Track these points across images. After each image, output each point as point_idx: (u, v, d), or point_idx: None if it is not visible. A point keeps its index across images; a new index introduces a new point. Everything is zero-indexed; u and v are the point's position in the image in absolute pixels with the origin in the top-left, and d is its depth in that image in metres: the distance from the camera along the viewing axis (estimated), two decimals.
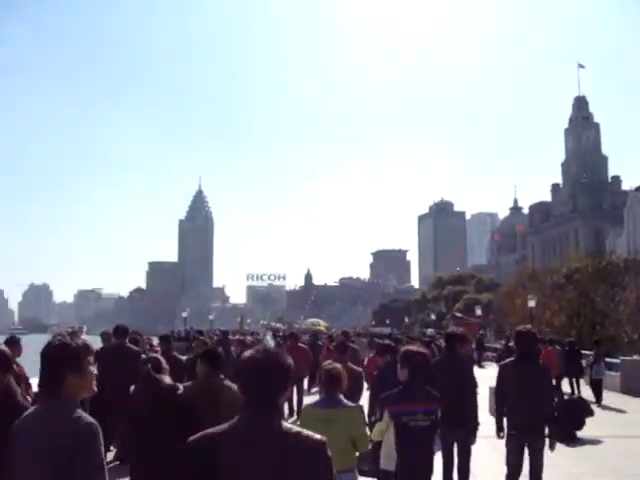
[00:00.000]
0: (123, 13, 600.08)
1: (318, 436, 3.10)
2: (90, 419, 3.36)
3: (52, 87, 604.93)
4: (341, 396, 5.88)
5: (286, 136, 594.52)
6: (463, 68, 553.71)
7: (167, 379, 6.60)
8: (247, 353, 3.19)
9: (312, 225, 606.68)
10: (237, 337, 22.10)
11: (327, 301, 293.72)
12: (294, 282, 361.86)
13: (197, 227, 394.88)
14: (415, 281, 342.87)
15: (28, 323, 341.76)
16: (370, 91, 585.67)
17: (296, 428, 3.13)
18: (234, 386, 5.90)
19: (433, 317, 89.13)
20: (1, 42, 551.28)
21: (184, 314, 61.78)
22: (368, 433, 6.21)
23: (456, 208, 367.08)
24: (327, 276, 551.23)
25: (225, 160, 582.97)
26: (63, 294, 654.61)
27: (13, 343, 8.90)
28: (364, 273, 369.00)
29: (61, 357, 3.44)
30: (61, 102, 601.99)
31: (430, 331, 39.35)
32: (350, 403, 5.98)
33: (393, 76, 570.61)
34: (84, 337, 12.56)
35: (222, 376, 6.68)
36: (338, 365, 6.13)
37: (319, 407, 5.83)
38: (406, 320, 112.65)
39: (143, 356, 10.44)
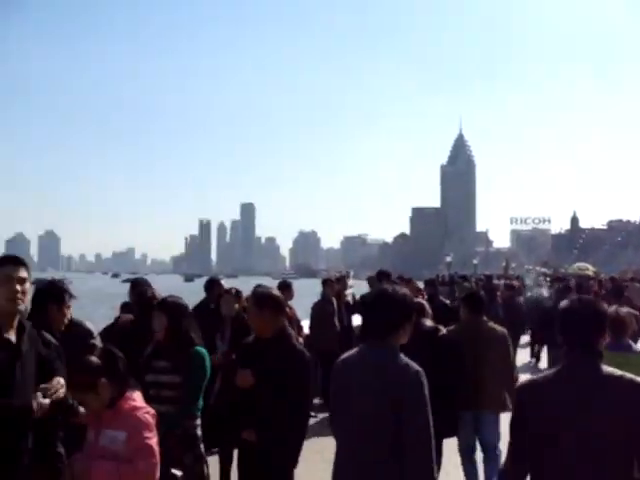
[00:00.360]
0: None
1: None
2: (416, 367, 3.55)
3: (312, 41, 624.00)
4: (630, 341, 5.92)
5: (548, 71, 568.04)
6: None
7: (428, 322, 6.64)
8: (563, 303, 3.31)
9: (578, 165, 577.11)
10: (502, 281, 21.02)
11: (594, 245, 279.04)
12: (559, 225, 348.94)
13: (459, 171, 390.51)
14: None
15: (298, 268, 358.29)
16: None
17: (618, 372, 3.13)
18: (497, 327, 6.93)
19: None
20: None
21: (448, 259, 60.96)
22: None
23: None
24: (594, 219, 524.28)
25: (486, 101, 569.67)
26: (330, 240, 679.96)
27: (285, 287, 9.54)
28: (635, 215, 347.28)
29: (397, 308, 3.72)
30: (319, 53, 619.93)
31: None
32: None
33: None
34: (351, 282, 13.62)
35: (485, 318, 6.94)
36: (623, 309, 6.07)
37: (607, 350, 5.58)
38: None
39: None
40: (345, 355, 3.92)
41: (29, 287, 3.79)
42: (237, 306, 7.66)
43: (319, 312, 11.38)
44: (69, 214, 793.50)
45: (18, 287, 3.67)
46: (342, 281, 12.40)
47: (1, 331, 3.61)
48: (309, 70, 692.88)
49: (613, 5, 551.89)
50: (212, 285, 8.70)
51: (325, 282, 11.93)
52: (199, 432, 5.31)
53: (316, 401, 10.59)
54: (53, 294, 5.18)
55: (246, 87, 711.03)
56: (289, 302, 9.39)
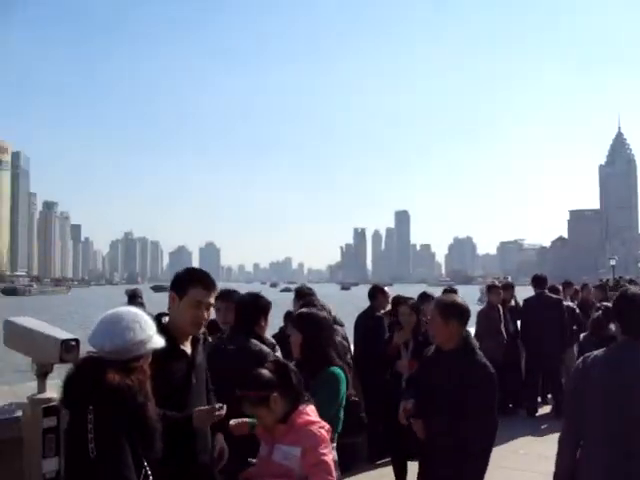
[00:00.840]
0: None
1: None
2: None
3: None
4: None
5: None
6: None
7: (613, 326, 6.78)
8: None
9: None
10: None
11: None
12: None
13: (618, 171, 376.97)
14: None
15: (454, 275, 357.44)
16: None
17: None
18: None
19: None
20: None
21: (612, 262, 59.92)
22: None
23: None
24: None
25: None
26: (486, 246, 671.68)
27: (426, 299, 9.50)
28: None
29: None
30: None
31: None
32: None
33: None
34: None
35: None
36: None
37: None
38: None
39: (567, 304, 11.77)
40: (593, 355, 3.74)
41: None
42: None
43: (485, 320, 11.13)
44: (228, 226, 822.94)
45: (205, 314, 3.75)
46: (508, 288, 12.14)
47: (178, 343, 3.70)
48: (457, 73, 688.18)
49: None
50: (376, 292, 8.56)
51: (490, 288, 11.65)
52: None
53: None
54: (262, 307, 5.25)
55: (397, 96, 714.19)
56: None
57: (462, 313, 4.75)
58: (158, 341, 3.02)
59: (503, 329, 11.13)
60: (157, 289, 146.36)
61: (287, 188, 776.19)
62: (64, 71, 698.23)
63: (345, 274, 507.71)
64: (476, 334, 10.46)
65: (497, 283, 12.36)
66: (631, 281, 23.44)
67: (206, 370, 3.98)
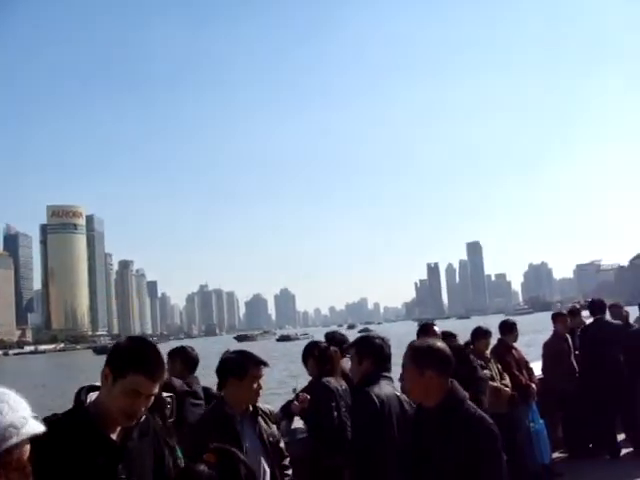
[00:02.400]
0: None
1: None
2: None
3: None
4: None
5: None
6: None
7: None
8: None
9: None
10: None
11: None
12: None
13: None
14: None
15: (532, 302, 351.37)
16: None
17: None
18: None
19: None
20: None
21: None
22: None
23: None
24: None
25: None
26: (562, 270, 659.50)
27: (507, 328, 9.21)
28: None
29: None
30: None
31: None
32: None
33: None
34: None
35: None
36: None
37: None
38: None
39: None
40: None
41: None
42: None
43: (551, 351, 10.22)
44: (301, 271, 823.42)
45: (143, 406, 2.90)
46: (576, 314, 11.09)
47: (102, 430, 2.84)
48: (524, 99, 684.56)
49: None
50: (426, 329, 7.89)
51: (555, 317, 10.55)
52: None
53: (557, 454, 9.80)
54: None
55: (466, 127, 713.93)
56: (513, 343, 9.19)
57: (442, 361, 3.72)
58: (36, 426, 2.09)
59: (573, 360, 10.09)
60: (240, 339, 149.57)
61: (355, 228, 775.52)
62: (137, 133, 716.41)
63: (421, 310, 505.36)
64: (543, 367, 10.11)
65: (578, 307, 11.88)
66: None
67: (154, 458, 3.07)
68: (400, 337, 7.67)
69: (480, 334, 8.40)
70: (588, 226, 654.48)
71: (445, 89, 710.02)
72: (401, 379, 5.17)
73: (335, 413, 5.77)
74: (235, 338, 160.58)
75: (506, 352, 8.92)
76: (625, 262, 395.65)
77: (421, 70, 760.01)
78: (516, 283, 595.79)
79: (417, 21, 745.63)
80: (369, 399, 4.40)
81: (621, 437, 10.04)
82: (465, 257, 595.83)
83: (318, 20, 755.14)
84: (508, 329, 9.16)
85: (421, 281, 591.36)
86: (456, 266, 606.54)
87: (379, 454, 4.27)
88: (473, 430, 3.55)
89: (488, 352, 8.51)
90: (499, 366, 8.55)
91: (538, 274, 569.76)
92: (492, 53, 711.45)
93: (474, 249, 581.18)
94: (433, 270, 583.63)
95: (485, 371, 7.85)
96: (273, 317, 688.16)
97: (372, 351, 4.70)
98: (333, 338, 7.08)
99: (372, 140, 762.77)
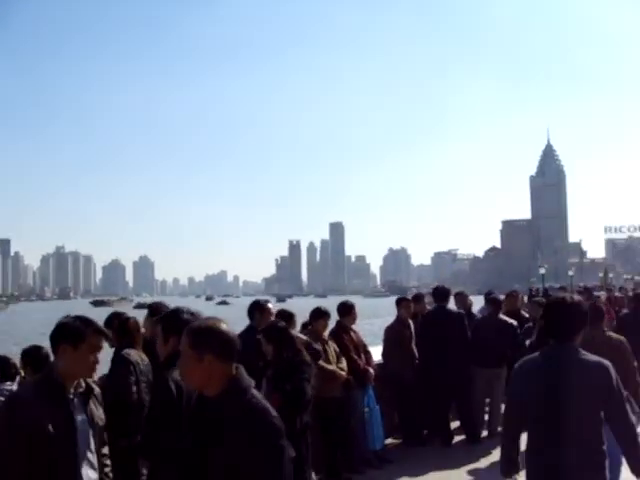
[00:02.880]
0: None
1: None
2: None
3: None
4: None
5: (631, 78, 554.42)
6: None
7: None
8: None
9: None
10: (602, 293, 21.11)
11: None
12: None
13: (549, 182, 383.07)
14: None
15: (389, 286, 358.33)
16: None
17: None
18: (614, 335, 6.79)
19: None
20: None
21: (541, 271, 60.26)
22: None
23: None
24: None
25: (573, 109, 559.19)
26: (421, 257, 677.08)
27: (322, 314, 8.60)
28: None
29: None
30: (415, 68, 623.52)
31: None
32: None
33: None
34: None
35: (605, 329, 6.90)
36: None
37: None
38: None
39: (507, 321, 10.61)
40: (528, 358, 4.31)
41: None
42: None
43: (392, 336, 9.93)
44: (162, 239, 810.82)
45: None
46: (420, 300, 11.06)
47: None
48: (395, 86, 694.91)
49: None
50: (254, 310, 7.77)
51: (399, 301, 10.11)
52: None
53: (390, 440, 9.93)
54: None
55: (333, 106, 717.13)
56: (352, 325, 9.03)
57: (223, 344, 3.09)
58: None
59: (414, 346, 9.94)
60: (97, 304, 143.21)
61: (221, 201, 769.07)
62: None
63: (281, 286, 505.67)
64: (383, 352, 9.89)
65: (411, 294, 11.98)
66: (561, 288, 22.89)
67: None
68: None
69: (318, 315, 8.17)
70: (447, 217, 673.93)
71: (317, 70, 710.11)
72: None
73: (134, 388, 5.52)
74: (91, 303, 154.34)
75: (344, 334, 8.74)
76: (481, 253, 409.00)
77: (296, 49, 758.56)
78: (375, 266, 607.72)
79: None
80: (165, 385, 3.98)
81: (455, 425, 10.45)
82: (327, 237, 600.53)
83: None
84: (347, 311, 8.92)
85: (282, 257, 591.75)
86: (317, 245, 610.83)
87: (169, 445, 3.65)
88: (251, 424, 2.94)
89: (326, 334, 8.33)
90: (336, 348, 8.32)
91: (397, 259, 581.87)
92: (361, 37, 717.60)
93: (336, 230, 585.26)
94: (294, 247, 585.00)
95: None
96: (130, 284, 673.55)
97: (180, 328, 3.46)
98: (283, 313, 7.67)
99: (251, 120, 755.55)
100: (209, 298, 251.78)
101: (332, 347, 8.22)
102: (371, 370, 8.81)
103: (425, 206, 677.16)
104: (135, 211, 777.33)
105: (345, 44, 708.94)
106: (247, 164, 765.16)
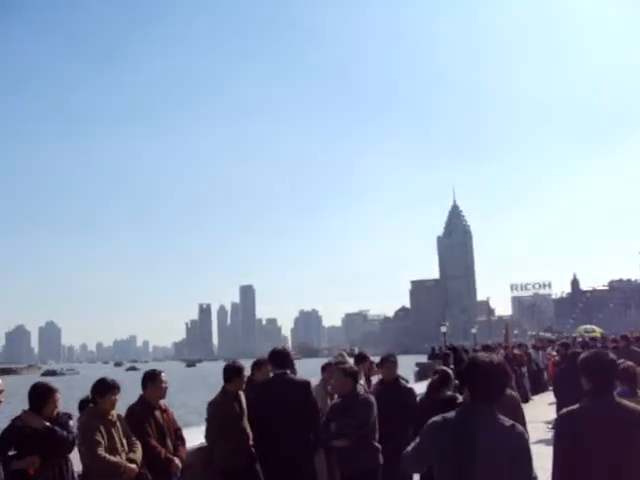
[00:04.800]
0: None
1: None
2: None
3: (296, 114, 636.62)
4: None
5: (535, 137, 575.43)
6: None
7: (449, 391, 7.78)
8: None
9: (575, 228, 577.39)
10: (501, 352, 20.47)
11: (597, 306, 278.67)
12: (560, 289, 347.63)
13: (455, 242, 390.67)
14: None
15: (300, 348, 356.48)
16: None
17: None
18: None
19: None
20: None
21: (443, 329, 59.52)
22: None
23: None
24: (595, 280, 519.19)
25: (477, 170, 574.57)
26: (332, 318, 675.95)
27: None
28: (635, 274, 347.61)
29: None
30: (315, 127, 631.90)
31: None
32: None
33: None
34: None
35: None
36: (631, 363, 6.91)
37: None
38: None
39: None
40: (442, 418, 4.04)
41: None
42: None
43: (217, 414, 8.41)
44: (69, 305, 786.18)
45: None
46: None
47: None
48: (301, 150, 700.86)
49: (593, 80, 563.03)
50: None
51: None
52: None
53: None
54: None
55: (240, 169, 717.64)
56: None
57: None
58: None
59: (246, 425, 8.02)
60: (3, 372, 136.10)
61: (129, 266, 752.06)
62: None
63: (190, 351, 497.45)
64: (206, 435, 7.78)
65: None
66: (453, 349, 22.56)
67: None
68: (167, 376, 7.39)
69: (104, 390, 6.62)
70: (358, 278, 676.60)
71: (226, 134, 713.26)
72: None
73: None
74: None
75: (145, 413, 7.02)
76: (391, 313, 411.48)
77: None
78: (286, 329, 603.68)
79: None
80: None
81: None
82: (238, 300, 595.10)
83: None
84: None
85: (192, 321, 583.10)
86: (228, 308, 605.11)
87: None
88: None
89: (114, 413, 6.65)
90: (128, 432, 6.82)
91: (308, 321, 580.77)
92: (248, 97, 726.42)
93: (247, 292, 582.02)
94: (205, 311, 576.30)
95: None
96: (36, 350, 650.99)
97: None
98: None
99: (160, 183, 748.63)
100: (118, 364, 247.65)
101: (120, 430, 6.41)
102: (177, 460, 6.85)
103: (336, 267, 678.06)
104: (40, 275, 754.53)
105: (248, 110, 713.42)
106: (153, 228, 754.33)
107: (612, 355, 4.67)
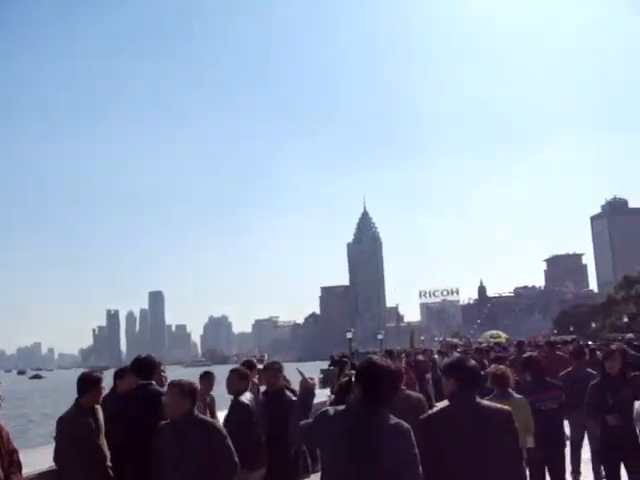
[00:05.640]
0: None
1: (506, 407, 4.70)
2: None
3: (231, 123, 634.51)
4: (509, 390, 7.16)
5: (442, 145, 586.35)
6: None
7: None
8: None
9: (481, 235, 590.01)
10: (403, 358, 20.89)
11: (502, 312, 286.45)
12: (468, 295, 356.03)
13: (365, 249, 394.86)
14: (593, 285, 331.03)
15: (210, 355, 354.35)
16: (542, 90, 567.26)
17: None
18: (413, 394, 7.06)
19: (626, 319, 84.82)
20: None
21: (348, 335, 60.23)
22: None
23: (631, 204, 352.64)
24: (501, 286, 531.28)
25: (387, 177, 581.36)
26: (242, 325, 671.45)
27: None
28: (539, 281, 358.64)
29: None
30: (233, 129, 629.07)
31: (629, 336, 37.73)
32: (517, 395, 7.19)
33: (567, 76, 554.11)
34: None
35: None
36: (503, 367, 7.55)
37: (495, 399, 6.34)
38: (593, 325, 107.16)
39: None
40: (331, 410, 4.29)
41: None
42: None
43: (68, 432, 7.14)
44: None
45: None
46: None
47: None
48: (214, 154, 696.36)
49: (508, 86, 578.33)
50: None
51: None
52: None
53: None
54: None
55: (151, 171, 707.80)
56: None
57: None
58: None
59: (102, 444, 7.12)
60: None
61: (32, 266, 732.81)
62: None
63: (97, 357, 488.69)
64: (54, 458, 6.77)
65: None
66: (343, 356, 23.56)
67: None
68: (69, 385, 7.43)
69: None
70: (267, 282, 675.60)
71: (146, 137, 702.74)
72: None
73: None
74: None
75: None
76: (301, 320, 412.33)
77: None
78: (196, 335, 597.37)
79: None
80: None
81: None
82: (147, 306, 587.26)
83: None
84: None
85: (99, 328, 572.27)
86: (137, 314, 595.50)
87: None
88: None
89: None
90: None
91: (218, 327, 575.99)
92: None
93: (156, 298, 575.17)
94: (113, 317, 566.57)
95: None
96: None
97: None
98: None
99: (63, 177, 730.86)
100: (21, 372, 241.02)
101: None
102: None
103: (244, 273, 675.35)
104: None
105: (173, 116, 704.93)
106: (61, 227, 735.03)
107: (473, 361, 4.91)
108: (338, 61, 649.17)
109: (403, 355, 23.60)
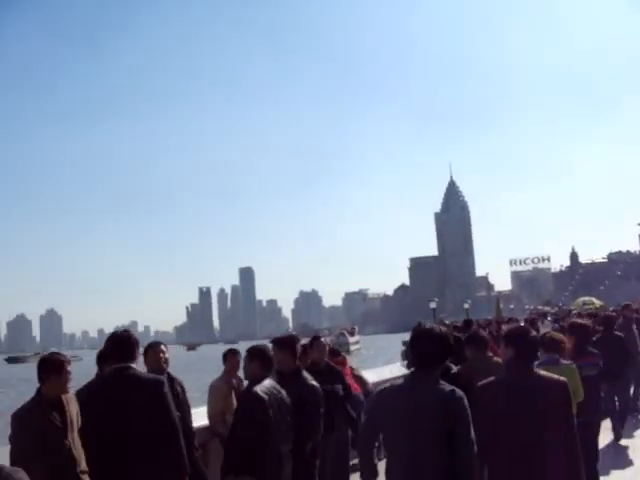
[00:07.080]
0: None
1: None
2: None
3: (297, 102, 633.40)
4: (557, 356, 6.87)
5: (530, 112, 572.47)
6: None
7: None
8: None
9: (573, 200, 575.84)
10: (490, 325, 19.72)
11: (596, 279, 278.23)
12: (559, 262, 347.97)
13: (453, 218, 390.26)
14: None
15: (301, 329, 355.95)
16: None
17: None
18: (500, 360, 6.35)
19: None
20: None
21: (432, 305, 58.84)
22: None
23: None
24: (594, 252, 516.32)
25: (475, 145, 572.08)
26: (332, 298, 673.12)
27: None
28: (634, 245, 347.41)
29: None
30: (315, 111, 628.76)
31: None
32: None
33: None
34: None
35: (490, 354, 7.20)
36: (553, 332, 7.54)
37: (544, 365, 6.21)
38: None
39: None
40: (390, 385, 4.42)
41: None
42: None
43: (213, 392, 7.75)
44: (70, 292, 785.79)
45: None
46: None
47: None
48: (297, 130, 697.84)
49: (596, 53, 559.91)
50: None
51: (226, 355, 8.13)
52: None
53: None
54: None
55: (236, 151, 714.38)
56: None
57: None
58: None
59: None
60: (11, 361, 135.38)
61: (128, 250, 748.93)
62: None
63: (191, 334, 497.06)
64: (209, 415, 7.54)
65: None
66: (441, 322, 22.79)
67: None
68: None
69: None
70: (356, 256, 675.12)
71: (218, 112, 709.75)
72: None
73: None
74: (6, 360, 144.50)
75: None
76: (391, 291, 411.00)
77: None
78: (287, 310, 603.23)
79: None
80: None
81: None
82: (237, 282, 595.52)
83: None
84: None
85: (192, 305, 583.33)
86: (228, 291, 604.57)
87: None
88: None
89: None
90: None
91: (308, 301, 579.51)
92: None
93: (246, 275, 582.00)
94: (205, 294, 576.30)
95: None
96: (38, 339, 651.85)
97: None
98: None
99: (152, 168, 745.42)
100: None
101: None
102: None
103: (334, 246, 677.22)
104: (39, 264, 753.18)
105: (240, 95, 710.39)
106: (152, 211, 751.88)
107: (533, 331, 4.94)
108: (421, 31, 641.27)
109: (477, 325, 22.27)
